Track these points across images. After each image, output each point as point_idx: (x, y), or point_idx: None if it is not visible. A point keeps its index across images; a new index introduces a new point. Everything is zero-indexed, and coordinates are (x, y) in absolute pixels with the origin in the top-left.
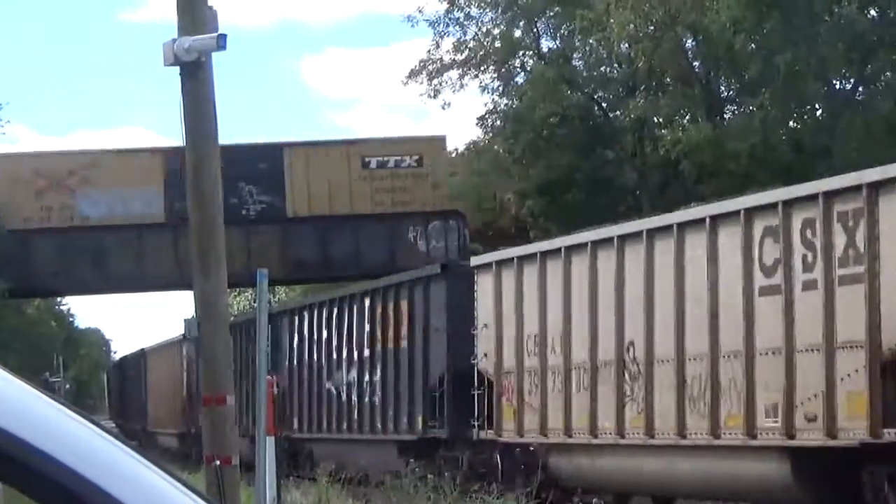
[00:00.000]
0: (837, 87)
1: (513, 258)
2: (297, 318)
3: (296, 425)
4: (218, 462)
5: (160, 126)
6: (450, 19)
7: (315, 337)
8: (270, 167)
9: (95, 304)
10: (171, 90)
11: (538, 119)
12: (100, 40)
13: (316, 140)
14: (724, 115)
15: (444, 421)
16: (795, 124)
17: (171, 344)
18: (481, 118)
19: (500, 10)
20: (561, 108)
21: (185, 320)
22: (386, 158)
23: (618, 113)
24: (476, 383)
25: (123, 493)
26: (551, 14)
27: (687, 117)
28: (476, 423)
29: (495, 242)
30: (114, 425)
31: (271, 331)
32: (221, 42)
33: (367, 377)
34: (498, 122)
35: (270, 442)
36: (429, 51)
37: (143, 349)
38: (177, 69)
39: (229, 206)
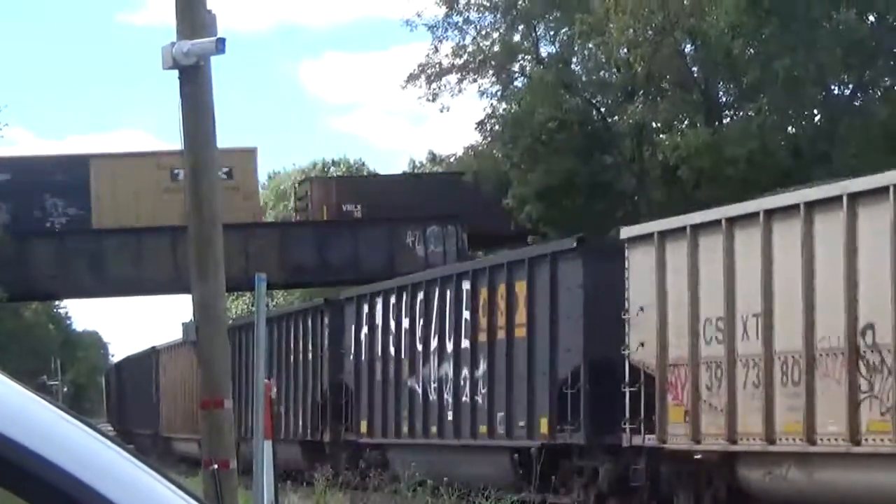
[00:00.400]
0: (836, 92)
1: (685, 227)
2: (366, 306)
3: (363, 429)
4: (216, 466)
5: (159, 129)
6: (448, 24)
7: (392, 327)
8: (76, 179)
9: (93, 307)
10: (170, 93)
11: (537, 123)
12: (99, 43)
13: (123, 152)
14: (723, 121)
15: (579, 424)
16: (794, 130)
17: (190, 341)
18: (480, 123)
19: (499, 15)
20: (560, 112)
21: (183, 324)
22: None
23: (616, 118)
24: (627, 378)
25: (121, 496)
26: (550, 18)
27: (685, 122)
28: (627, 427)
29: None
30: (111, 429)
31: (331, 321)
32: (220, 46)
33: (465, 372)
34: (497, 127)
35: (268, 446)
36: (427, 55)
37: (154, 347)
38: (176, 72)
39: (34, 220)
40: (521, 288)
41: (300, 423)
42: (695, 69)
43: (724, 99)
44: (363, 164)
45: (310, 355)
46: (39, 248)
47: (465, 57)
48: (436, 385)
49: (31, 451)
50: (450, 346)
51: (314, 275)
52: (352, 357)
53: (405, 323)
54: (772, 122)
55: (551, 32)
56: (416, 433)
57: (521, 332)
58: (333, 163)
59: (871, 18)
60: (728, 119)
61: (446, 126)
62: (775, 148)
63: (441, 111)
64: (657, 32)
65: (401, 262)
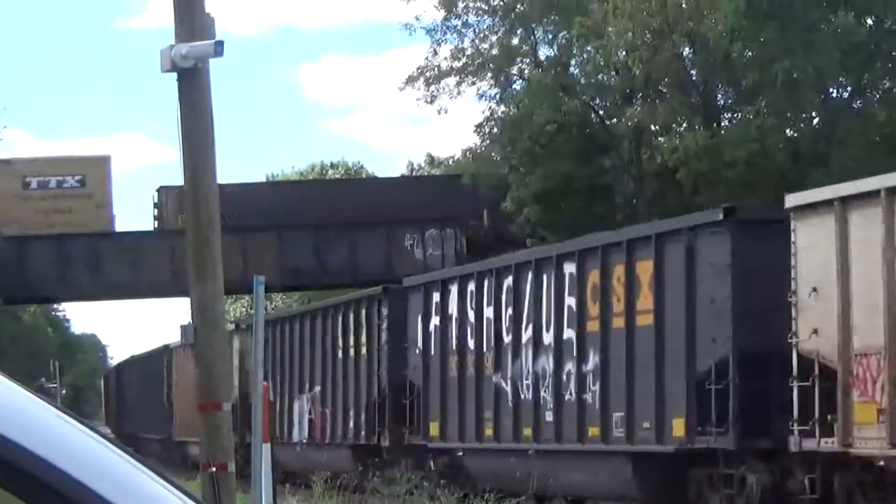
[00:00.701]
0: (834, 95)
1: (878, 190)
2: (437, 294)
3: (434, 432)
4: (214, 469)
5: (158, 133)
6: (447, 27)
7: (471, 317)
8: None
9: (91, 310)
10: (169, 97)
11: (536, 126)
12: (98, 46)
13: None
14: (721, 123)
15: (728, 425)
16: (793, 132)
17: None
18: (479, 126)
19: (497, 18)
20: (559, 114)
21: (181, 326)
22: (47, 179)
23: (615, 121)
24: (796, 371)
25: (119, 498)
26: (548, 22)
27: (684, 125)
28: (796, 428)
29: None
30: (108, 432)
31: (391, 311)
32: (219, 49)
33: (569, 367)
34: (495, 130)
35: (266, 449)
36: (426, 58)
37: (167, 345)
38: (174, 75)
39: None
40: (644, 269)
41: (351, 425)
42: (693, 72)
43: (722, 102)
44: (361, 166)
45: (363, 350)
46: (38, 251)
47: (464, 60)
48: (529, 382)
49: (30, 452)
50: (548, 338)
51: (312, 277)
52: (418, 351)
53: (488, 312)
54: (770, 125)
55: (549, 36)
56: (504, 436)
57: (645, 320)
58: (332, 165)
59: (870, 21)
60: (726, 122)
61: (445, 129)
62: (774, 150)
63: (439, 113)
64: (656, 36)
65: (399, 266)
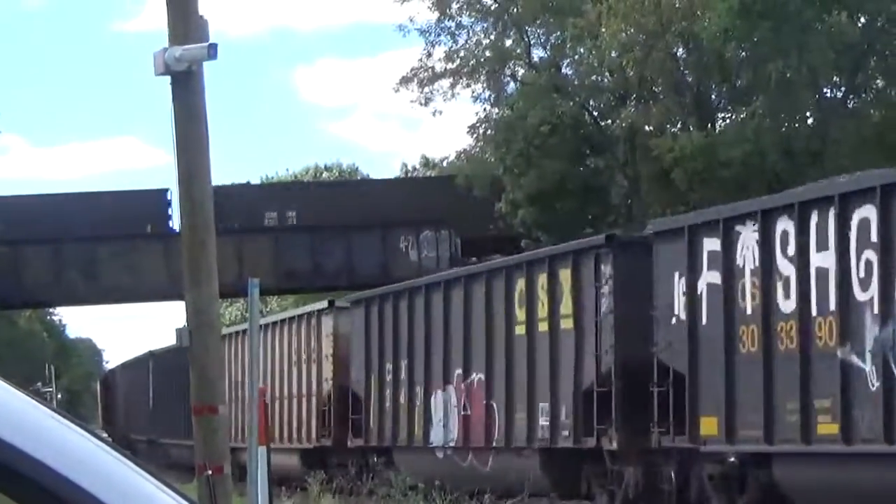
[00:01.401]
0: (828, 94)
1: None
2: (712, 242)
3: (709, 429)
4: (210, 472)
5: (155, 137)
6: (441, 29)
7: (781, 269)
8: None
9: (87, 314)
10: (164, 100)
11: (530, 127)
12: (94, 51)
13: None
14: (716, 124)
15: None
16: (787, 132)
17: (267, 326)
18: (472, 127)
19: (490, 20)
20: (553, 116)
21: (176, 329)
22: None
23: (609, 122)
24: None
25: (117, 501)
26: (541, 23)
27: (678, 125)
28: None
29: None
30: (106, 435)
31: (618, 269)
32: (212, 52)
33: None
34: (489, 132)
35: (262, 452)
36: (420, 59)
37: None
38: (168, 78)
39: None
40: None
41: (541, 423)
42: (687, 72)
43: (716, 102)
44: (356, 168)
45: (564, 323)
46: (33, 255)
47: (458, 62)
48: None
49: (26, 454)
50: None
51: (307, 280)
52: (675, 321)
53: (819, 260)
54: (766, 125)
55: (543, 37)
56: (856, 435)
57: None
58: (326, 168)
59: (862, 20)
60: (721, 122)
61: (440, 131)
62: (769, 150)
63: (434, 115)
64: (649, 36)
65: (394, 268)
